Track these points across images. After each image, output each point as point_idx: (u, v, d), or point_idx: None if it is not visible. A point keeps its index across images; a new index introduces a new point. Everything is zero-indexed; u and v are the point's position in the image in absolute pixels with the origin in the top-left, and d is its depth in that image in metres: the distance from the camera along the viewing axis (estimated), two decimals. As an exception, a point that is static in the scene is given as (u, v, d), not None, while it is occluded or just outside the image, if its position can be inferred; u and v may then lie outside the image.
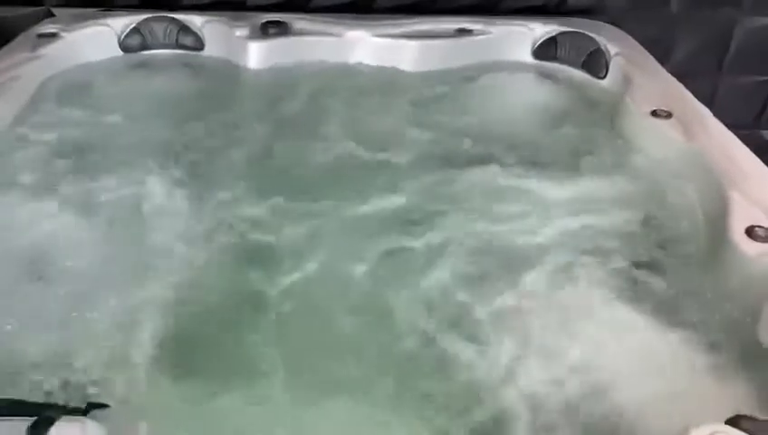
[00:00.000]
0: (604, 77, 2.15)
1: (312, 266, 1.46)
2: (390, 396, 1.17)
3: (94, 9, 2.30)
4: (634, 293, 1.36)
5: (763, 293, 1.22)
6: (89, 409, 1.11)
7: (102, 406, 1.12)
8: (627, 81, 2.01)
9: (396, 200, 1.68)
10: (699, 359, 1.17)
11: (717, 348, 1.21)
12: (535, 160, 1.83)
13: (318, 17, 2.28)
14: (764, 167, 1.54)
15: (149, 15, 2.24)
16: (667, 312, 1.30)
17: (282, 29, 2.23)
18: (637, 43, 2.19)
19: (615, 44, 2.16)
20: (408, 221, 1.61)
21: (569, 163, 1.81)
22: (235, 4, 2.38)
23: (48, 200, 1.60)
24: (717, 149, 1.61)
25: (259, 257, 1.49)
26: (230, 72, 2.20)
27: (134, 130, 1.90)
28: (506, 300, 1.36)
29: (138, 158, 1.76)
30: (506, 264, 1.47)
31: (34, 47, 2.05)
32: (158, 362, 1.23)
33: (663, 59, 2.50)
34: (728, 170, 1.53)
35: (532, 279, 1.42)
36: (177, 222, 1.57)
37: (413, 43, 2.24)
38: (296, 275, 1.43)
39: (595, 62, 2.18)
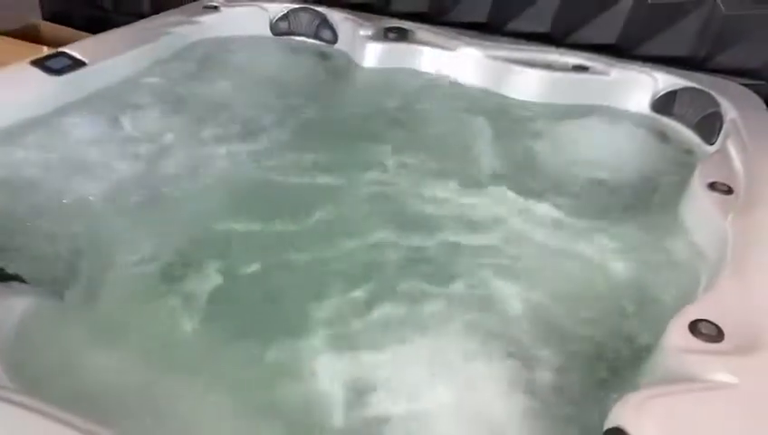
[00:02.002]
0: (714, 143, 1.88)
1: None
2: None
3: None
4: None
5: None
6: (14, 279, 1.34)
7: (22, 281, 1.35)
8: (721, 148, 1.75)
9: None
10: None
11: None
12: (581, 212, 1.70)
13: (440, 30, 2.34)
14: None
15: (299, 6, 2.50)
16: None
17: (400, 35, 2.33)
18: (765, 114, 1.88)
19: (737, 110, 1.87)
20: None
21: (606, 223, 1.65)
22: (377, 8, 2.53)
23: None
24: (746, 235, 1.35)
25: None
26: (346, 67, 2.36)
27: (240, 101, 2.14)
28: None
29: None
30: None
31: (194, 14, 2.42)
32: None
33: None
34: (736, 261, 1.28)
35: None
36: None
37: (521, 70, 2.19)
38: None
39: (709, 126, 1.92)
